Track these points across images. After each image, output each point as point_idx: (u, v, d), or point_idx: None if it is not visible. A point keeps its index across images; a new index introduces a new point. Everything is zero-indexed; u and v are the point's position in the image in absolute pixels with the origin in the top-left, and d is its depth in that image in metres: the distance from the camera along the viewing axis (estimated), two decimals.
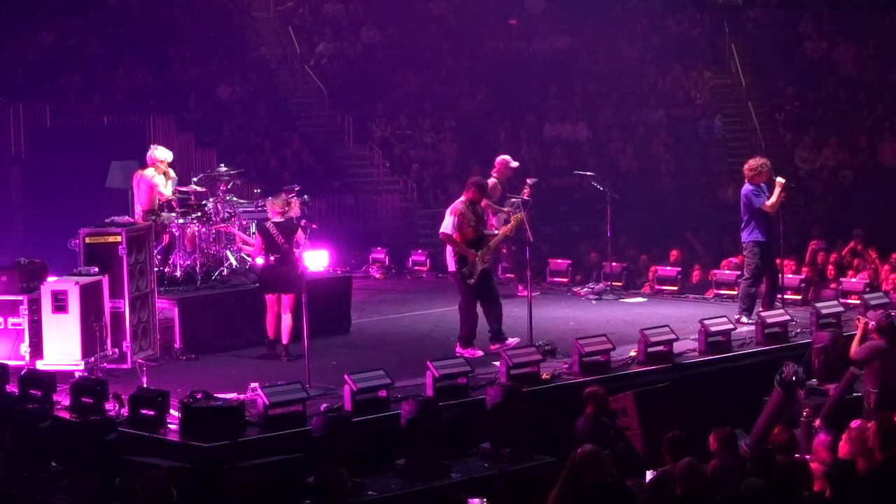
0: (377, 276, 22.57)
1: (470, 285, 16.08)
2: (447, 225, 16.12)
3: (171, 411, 13.09)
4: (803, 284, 19.50)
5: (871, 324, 14.64)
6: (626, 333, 16.52)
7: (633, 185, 27.43)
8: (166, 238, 17.69)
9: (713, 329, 16.14)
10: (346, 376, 13.71)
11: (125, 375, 15.19)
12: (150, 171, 17.81)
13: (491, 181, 18.77)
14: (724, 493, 10.45)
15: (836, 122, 28.69)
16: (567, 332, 16.92)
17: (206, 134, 27.40)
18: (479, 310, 16.26)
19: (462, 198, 16.31)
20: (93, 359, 15.03)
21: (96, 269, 15.52)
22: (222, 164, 18.63)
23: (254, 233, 17.55)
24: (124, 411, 13.33)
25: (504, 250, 20.15)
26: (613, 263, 21.09)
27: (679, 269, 21.38)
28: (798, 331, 16.97)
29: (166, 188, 17.72)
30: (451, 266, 16.21)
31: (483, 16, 32.31)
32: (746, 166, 17.76)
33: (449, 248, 16.25)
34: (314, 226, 17.96)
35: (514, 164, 19.54)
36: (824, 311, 17.05)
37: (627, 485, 10.43)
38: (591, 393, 13.42)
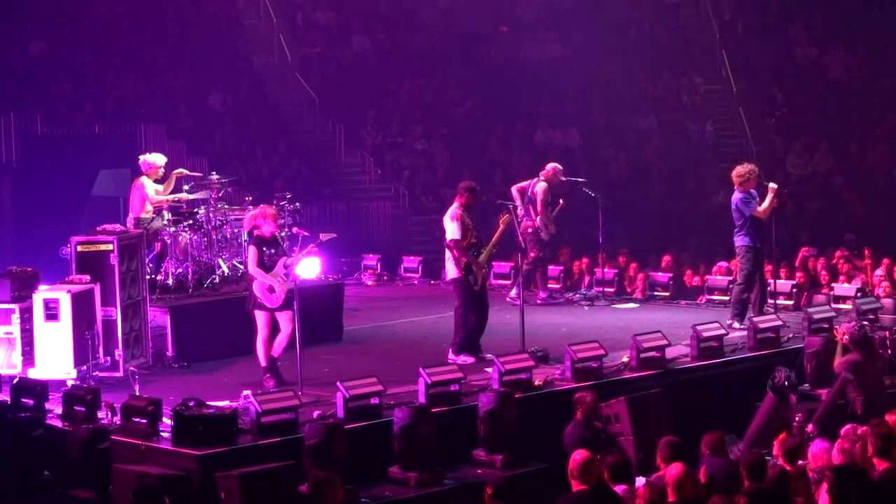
0: (369, 283, 22.57)
1: (471, 292, 16.07)
2: (453, 232, 15.99)
3: (164, 419, 13.08)
4: (795, 289, 19.52)
5: (846, 337, 14.72)
6: (619, 339, 16.52)
7: (625, 191, 27.46)
8: (158, 246, 17.70)
9: (705, 334, 16.13)
10: (338, 383, 13.71)
11: (117, 384, 15.18)
12: (142, 179, 17.89)
13: (542, 185, 19.56)
14: (714, 497, 10.46)
15: (826, 128, 28.73)
16: (559, 337, 16.90)
17: (197, 142, 27.40)
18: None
19: (456, 203, 16.24)
20: (85, 367, 15.02)
21: (88, 278, 15.51)
22: (213, 172, 18.62)
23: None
24: (117, 419, 13.31)
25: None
26: (605, 269, 21.11)
27: (671, 274, 21.40)
28: (790, 336, 16.99)
29: (156, 193, 17.79)
30: (454, 273, 16.11)
31: (474, 23, 32.33)
32: (734, 173, 17.77)
33: (449, 255, 16.17)
34: (306, 233, 17.91)
35: (564, 178, 19.91)
36: (816, 317, 17.06)
37: (616, 491, 10.43)
38: (580, 398, 13.43)
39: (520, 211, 19.20)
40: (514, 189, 19.78)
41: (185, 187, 18.43)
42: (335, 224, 27.00)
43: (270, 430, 12.95)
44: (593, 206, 20.57)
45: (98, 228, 16.40)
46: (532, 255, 19.43)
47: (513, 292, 19.54)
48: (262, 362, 15.17)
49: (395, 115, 30.60)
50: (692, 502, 10.15)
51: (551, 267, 21.59)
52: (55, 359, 15.01)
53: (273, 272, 15.04)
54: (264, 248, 15.20)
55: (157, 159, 18.12)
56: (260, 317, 15.21)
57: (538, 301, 19.92)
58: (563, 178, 20.10)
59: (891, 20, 29.79)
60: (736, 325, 17.39)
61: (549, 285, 20.66)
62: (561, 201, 20.01)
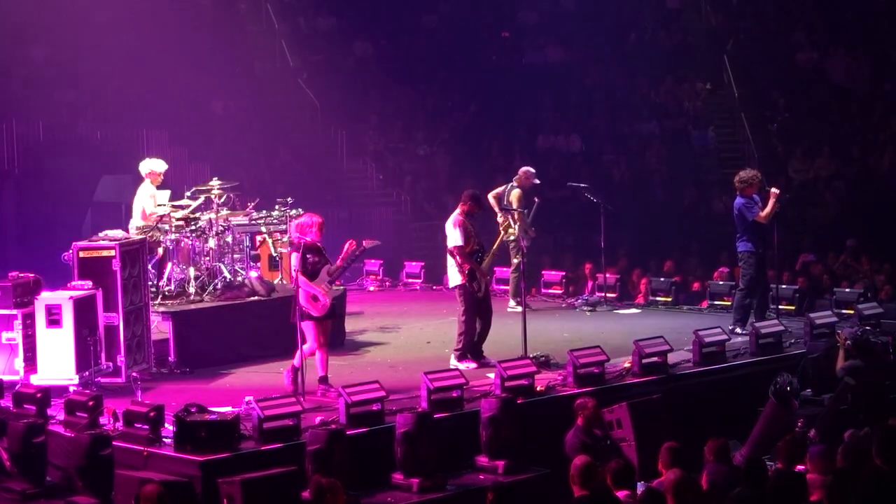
0: (371, 288, 22.59)
1: (475, 298, 16.08)
2: (456, 238, 16.02)
3: (166, 425, 13.09)
4: (797, 295, 19.52)
5: (848, 342, 14.72)
6: (621, 345, 16.52)
7: (627, 197, 27.46)
8: (160, 252, 17.69)
9: (707, 340, 16.14)
10: (340, 389, 13.72)
11: (120, 389, 15.18)
12: (146, 185, 17.96)
13: (516, 191, 19.48)
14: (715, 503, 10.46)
15: (828, 133, 28.72)
16: (561, 343, 16.92)
17: (199, 148, 27.41)
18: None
19: (459, 210, 16.28)
20: (87, 373, 15.01)
21: (90, 283, 15.51)
22: (215, 178, 18.64)
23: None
24: (119, 425, 13.31)
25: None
26: (607, 275, 21.12)
27: (673, 279, 21.41)
28: (792, 341, 17.00)
29: (151, 201, 17.84)
30: (457, 279, 16.12)
31: (476, 28, 32.36)
32: (737, 179, 17.79)
33: (451, 262, 16.19)
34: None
35: (537, 181, 19.76)
36: (818, 322, 17.07)
37: (618, 497, 10.43)
38: (581, 405, 13.42)
39: (499, 218, 19.27)
40: (490, 196, 19.69)
41: (187, 193, 18.44)
42: (337, 230, 26.98)
43: (272, 435, 12.96)
44: (595, 212, 20.57)
45: (100, 234, 16.42)
46: (516, 261, 19.44)
47: (511, 303, 19.57)
48: (320, 371, 14.92)
49: (397, 121, 30.62)
50: None
51: (553, 272, 21.66)
52: (57, 365, 14.99)
53: (317, 280, 14.95)
54: (308, 256, 14.97)
55: (158, 165, 18.16)
56: (308, 326, 14.90)
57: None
58: (536, 181, 19.95)
59: (892, 25, 29.80)
60: (738, 330, 17.40)
61: (548, 290, 20.76)
62: (536, 200, 19.88)
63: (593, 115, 30.54)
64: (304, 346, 14.88)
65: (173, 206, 18.08)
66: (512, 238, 19.06)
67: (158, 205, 18.02)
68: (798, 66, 30.47)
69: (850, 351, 14.72)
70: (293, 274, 14.89)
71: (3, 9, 26.54)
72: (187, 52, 29.36)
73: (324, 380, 14.87)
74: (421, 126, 30.48)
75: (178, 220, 17.68)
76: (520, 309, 18.81)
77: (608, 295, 20.70)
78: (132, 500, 10.45)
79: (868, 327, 16.27)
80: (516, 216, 19.01)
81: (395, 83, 31.24)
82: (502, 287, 20.84)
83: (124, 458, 12.76)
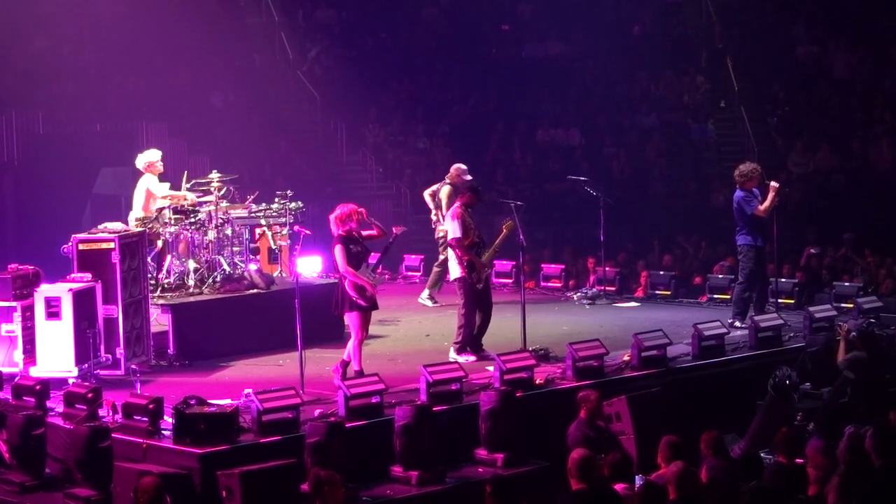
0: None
1: (474, 291, 16.07)
2: (455, 231, 16.03)
3: (165, 417, 13.09)
4: (797, 288, 19.52)
5: (852, 334, 14.72)
6: (620, 338, 16.53)
7: (626, 190, 27.46)
8: (160, 244, 17.69)
9: (707, 333, 16.14)
10: (340, 382, 13.72)
11: (119, 382, 15.18)
12: (146, 177, 17.93)
13: (446, 188, 19.42)
14: (715, 496, 10.45)
15: (828, 127, 28.71)
16: (561, 336, 16.90)
17: (198, 141, 27.40)
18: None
19: (458, 202, 16.32)
20: (86, 365, 15.01)
21: (89, 276, 15.50)
22: (215, 171, 18.63)
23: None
24: (118, 418, 13.31)
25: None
26: (607, 268, 21.12)
27: (673, 273, 21.42)
28: (791, 335, 17.00)
29: (159, 188, 17.83)
30: (457, 272, 16.14)
31: (476, 21, 32.35)
32: (737, 172, 17.78)
33: (452, 255, 16.20)
34: (308, 231, 17.94)
35: (468, 176, 19.49)
36: (818, 315, 17.08)
37: (615, 490, 10.43)
38: (584, 397, 13.43)
39: (432, 216, 19.28)
40: (425, 194, 19.72)
41: (186, 185, 18.43)
42: None
43: (272, 428, 12.95)
44: (594, 205, 20.56)
45: (100, 227, 16.40)
46: (443, 257, 19.35)
47: (424, 294, 19.68)
48: (356, 366, 14.83)
49: (397, 114, 30.60)
50: (693, 499, 10.15)
51: (552, 265, 21.69)
52: (56, 357, 14.98)
53: (361, 271, 14.89)
54: (351, 247, 14.94)
55: (153, 155, 18.13)
56: (353, 318, 14.88)
57: None
58: (468, 178, 19.81)
59: (892, 19, 29.77)
60: (737, 323, 17.40)
61: (547, 284, 20.84)
62: None
63: (593, 108, 30.52)
64: (352, 341, 14.90)
65: (173, 198, 18.07)
66: (441, 235, 19.09)
67: (162, 196, 17.99)
68: (798, 60, 30.47)
69: (855, 343, 14.70)
70: (340, 267, 14.81)
71: (3, 1, 26.51)
72: (187, 45, 29.36)
73: (346, 365, 14.83)
74: (420, 119, 30.48)
75: (175, 214, 17.66)
76: (430, 303, 19.01)
77: (607, 288, 20.71)
78: (131, 493, 10.45)
79: (873, 319, 16.29)
80: (444, 212, 19.07)
81: (394, 76, 31.24)
82: (501, 280, 20.86)
83: (123, 451, 12.76)
